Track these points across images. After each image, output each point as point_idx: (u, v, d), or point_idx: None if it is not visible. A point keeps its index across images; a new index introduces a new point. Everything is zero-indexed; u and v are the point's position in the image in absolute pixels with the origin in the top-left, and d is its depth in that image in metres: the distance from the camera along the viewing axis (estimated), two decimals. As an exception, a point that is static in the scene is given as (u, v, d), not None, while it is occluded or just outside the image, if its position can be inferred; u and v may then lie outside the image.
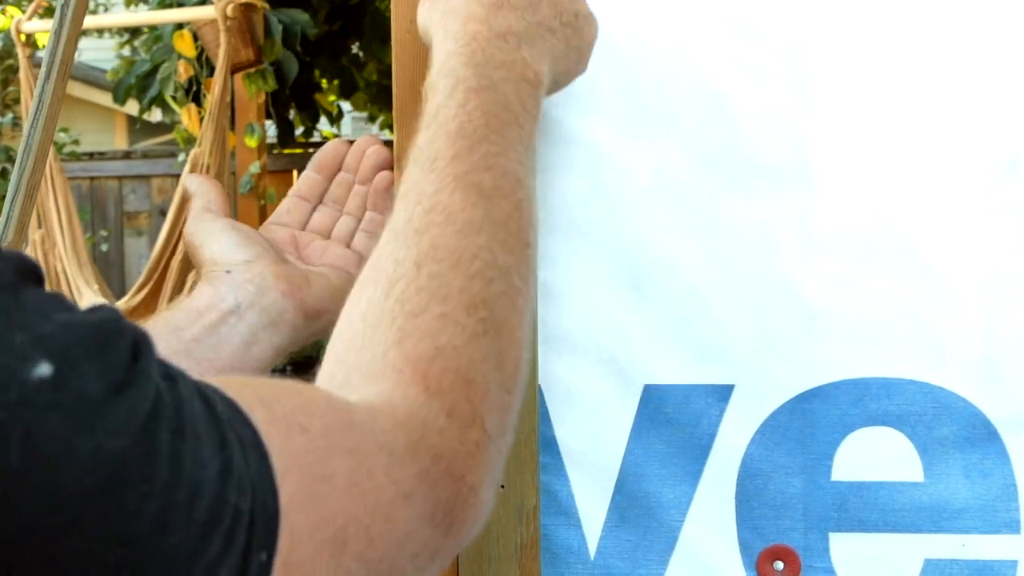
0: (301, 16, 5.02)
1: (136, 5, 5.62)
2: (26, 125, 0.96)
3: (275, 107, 5.38)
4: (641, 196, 1.16)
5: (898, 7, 1.13)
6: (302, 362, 4.68)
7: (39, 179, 0.95)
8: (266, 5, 4.89)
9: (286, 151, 6.00)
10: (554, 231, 1.17)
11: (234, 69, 4.66)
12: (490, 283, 0.81)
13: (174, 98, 5.01)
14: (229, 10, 4.38)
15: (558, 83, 1.03)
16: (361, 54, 5.78)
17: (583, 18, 1.04)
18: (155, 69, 4.89)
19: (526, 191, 0.89)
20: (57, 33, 0.99)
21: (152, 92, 4.86)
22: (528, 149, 0.92)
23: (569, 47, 1.02)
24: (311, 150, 6.09)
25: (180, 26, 4.82)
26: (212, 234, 1.01)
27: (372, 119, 6.59)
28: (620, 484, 1.17)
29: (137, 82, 5.15)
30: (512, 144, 0.90)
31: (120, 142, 10.17)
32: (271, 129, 5.71)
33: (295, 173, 6.07)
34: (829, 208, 1.14)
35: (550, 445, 1.17)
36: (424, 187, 0.85)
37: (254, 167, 4.96)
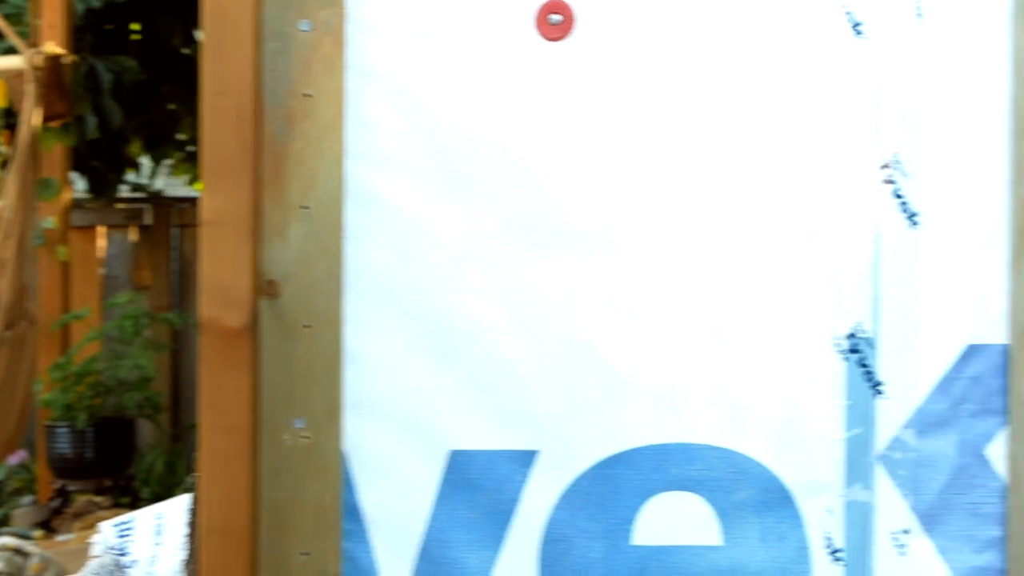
0: (129, 62, 4.82)
1: None
2: None
3: (92, 159, 5.18)
4: (449, 261, 1.16)
5: (705, 86, 1.17)
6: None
7: None
8: (75, 57, 4.76)
9: (88, 205, 5.77)
10: (362, 295, 1.16)
11: (47, 120, 4.50)
12: None
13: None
14: (37, 61, 4.24)
15: None
16: (175, 106, 5.62)
17: None
18: None
19: None
20: None
21: None
22: None
23: None
24: (119, 205, 5.88)
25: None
26: None
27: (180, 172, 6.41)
28: (424, 550, 1.15)
29: None
30: None
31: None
32: (79, 183, 5.52)
33: (97, 229, 5.86)
34: (633, 275, 1.16)
35: (353, 512, 1.15)
36: None
37: (46, 222, 4.74)
